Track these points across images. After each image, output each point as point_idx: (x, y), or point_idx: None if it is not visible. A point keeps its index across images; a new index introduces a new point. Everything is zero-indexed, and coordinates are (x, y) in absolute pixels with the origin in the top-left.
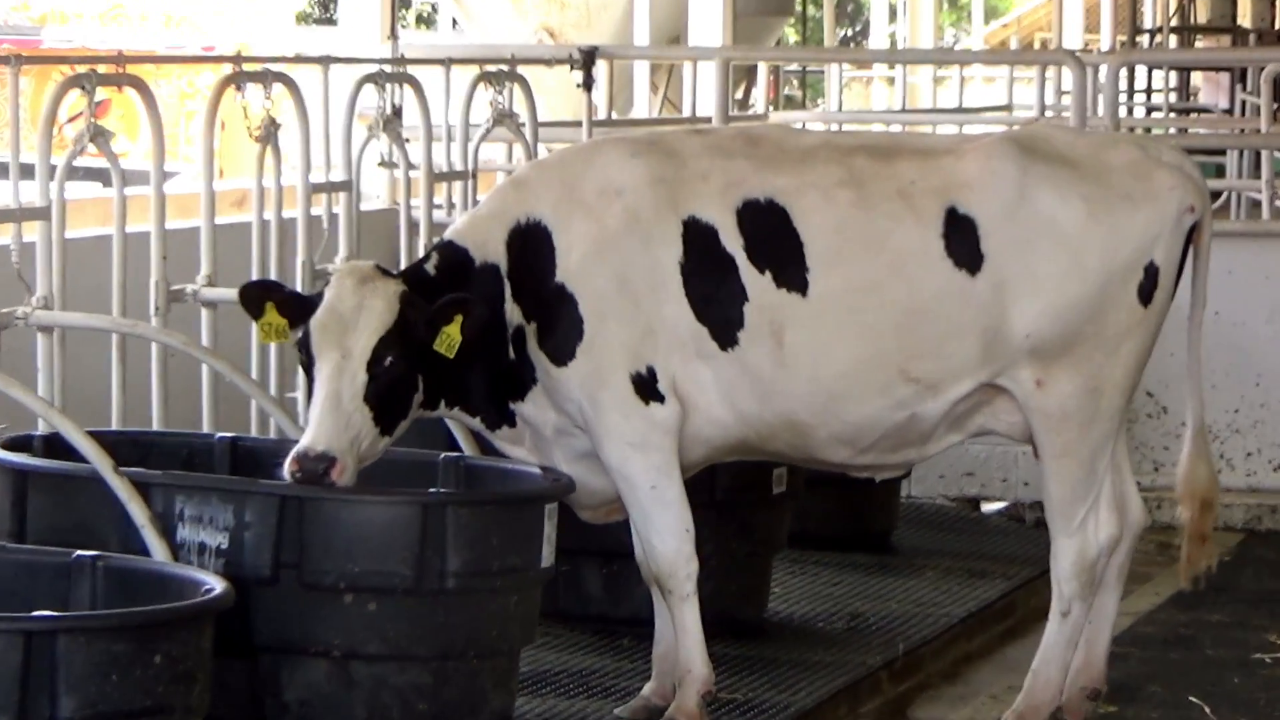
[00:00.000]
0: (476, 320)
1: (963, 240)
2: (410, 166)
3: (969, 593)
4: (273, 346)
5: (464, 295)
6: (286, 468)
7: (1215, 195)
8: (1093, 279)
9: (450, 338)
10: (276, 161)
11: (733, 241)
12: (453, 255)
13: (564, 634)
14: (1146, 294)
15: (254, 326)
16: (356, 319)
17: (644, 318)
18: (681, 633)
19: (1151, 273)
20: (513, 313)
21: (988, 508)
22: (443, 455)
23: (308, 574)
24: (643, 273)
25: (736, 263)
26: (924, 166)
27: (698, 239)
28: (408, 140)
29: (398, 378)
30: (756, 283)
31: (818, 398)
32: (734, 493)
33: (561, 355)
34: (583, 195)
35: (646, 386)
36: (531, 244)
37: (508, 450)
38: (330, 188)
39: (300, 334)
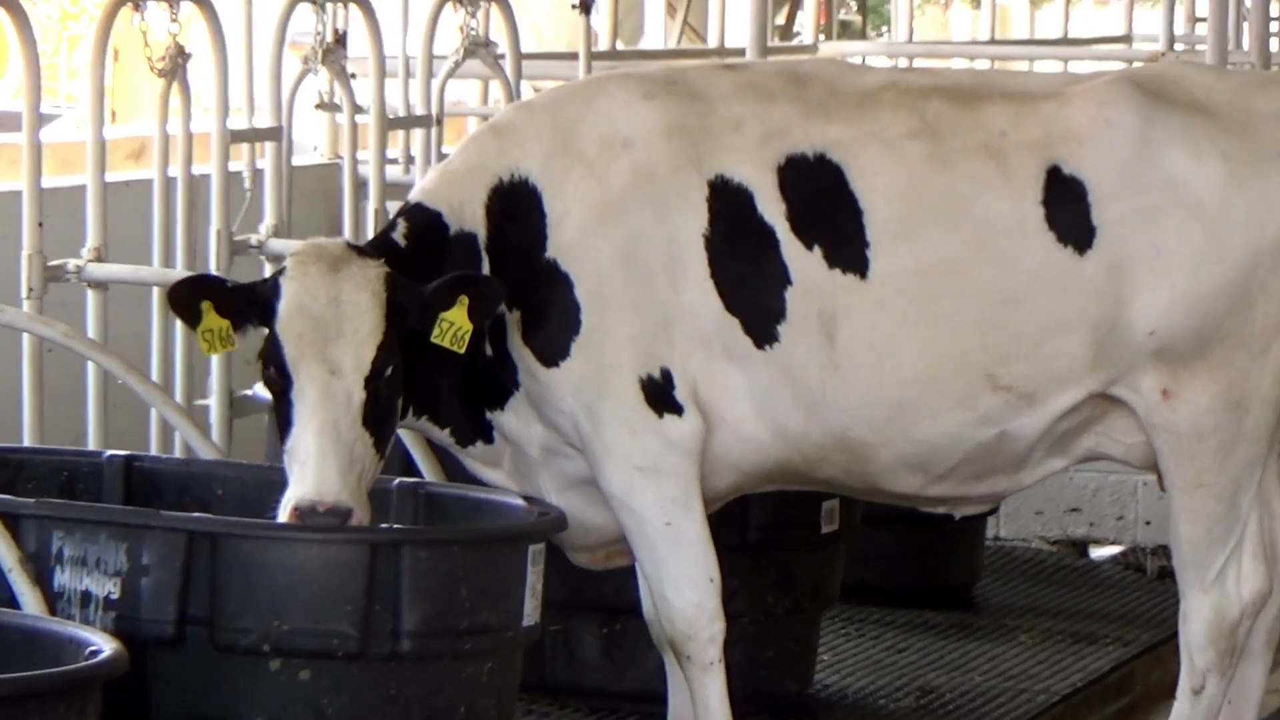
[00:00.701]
0: (490, 302)
1: (1068, 209)
2: (357, 109)
3: (1073, 663)
4: (177, 339)
5: (470, 273)
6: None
7: None
8: (1235, 260)
9: (457, 327)
10: (185, 102)
11: (772, 208)
12: (425, 221)
13: (553, 712)
14: None
15: (184, 333)
16: (340, 323)
17: (658, 306)
18: (702, 710)
19: None
20: None
21: (1098, 553)
22: (397, 481)
23: (222, 633)
24: (656, 248)
25: (777, 235)
26: (1018, 114)
27: (727, 205)
28: (353, 76)
29: (396, 393)
30: (803, 261)
31: (880, 410)
32: (771, 532)
33: (552, 353)
34: (581, 147)
35: (660, 394)
36: (516, 208)
37: (482, 473)
38: (254, 136)
39: (264, 341)
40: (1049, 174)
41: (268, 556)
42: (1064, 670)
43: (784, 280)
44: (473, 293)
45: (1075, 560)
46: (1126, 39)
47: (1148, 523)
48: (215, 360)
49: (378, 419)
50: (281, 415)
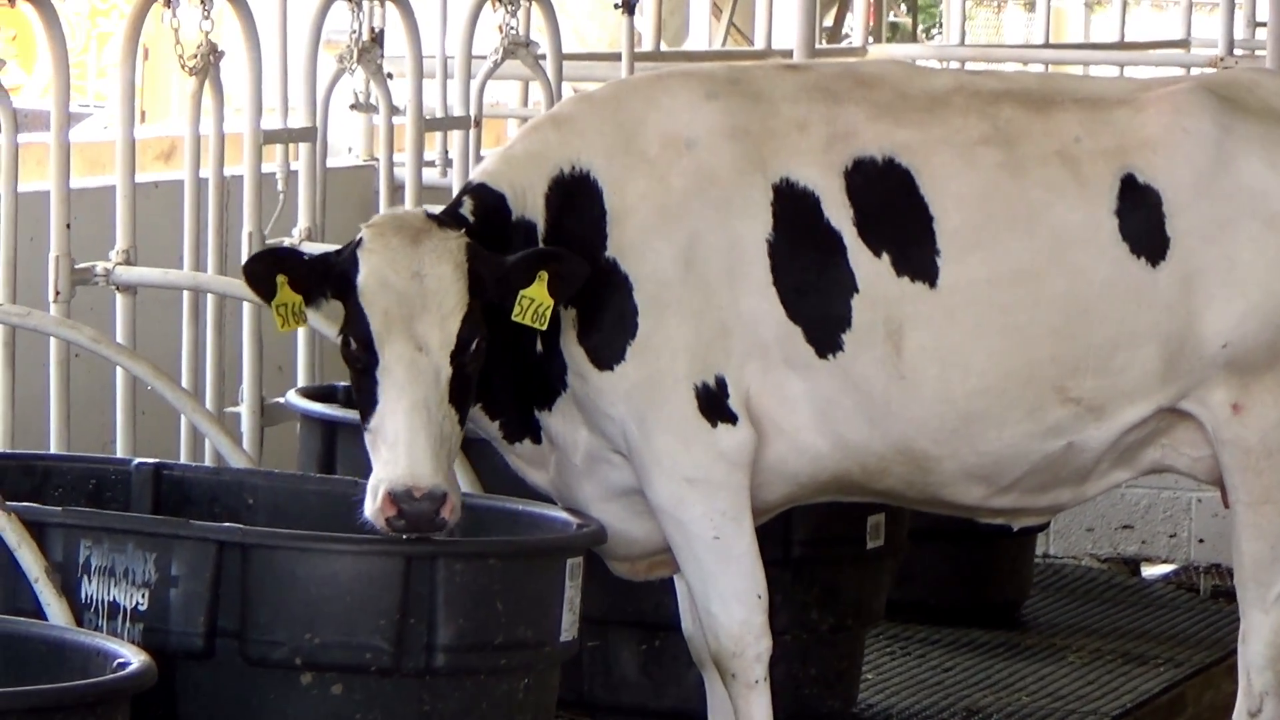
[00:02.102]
0: (572, 280)
1: (1143, 219)
2: (394, 110)
3: (1123, 684)
4: (208, 344)
5: (553, 248)
6: (377, 512)
7: None
8: None
9: (538, 304)
10: (217, 102)
11: (839, 213)
12: (490, 202)
13: None
14: None
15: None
16: (424, 297)
17: (717, 312)
18: None
19: None
20: None
21: (1150, 572)
22: None
23: (253, 646)
24: (718, 252)
25: (844, 241)
26: (1092, 120)
27: (792, 209)
28: (390, 76)
29: (480, 367)
30: (870, 268)
31: (947, 421)
32: (815, 547)
33: (606, 356)
34: (643, 145)
35: (715, 403)
36: (576, 202)
37: (526, 474)
38: (288, 137)
39: (344, 317)
40: (1123, 183)
41: (300, 568)
42: (1114, 691)
43: (850, 288)
44: (554, 269)
45: (1126, 579)
46: (1185, 44)
47: (1201, 541)
48: (247, 367)
49: (462, 394)
50: (365, 393)
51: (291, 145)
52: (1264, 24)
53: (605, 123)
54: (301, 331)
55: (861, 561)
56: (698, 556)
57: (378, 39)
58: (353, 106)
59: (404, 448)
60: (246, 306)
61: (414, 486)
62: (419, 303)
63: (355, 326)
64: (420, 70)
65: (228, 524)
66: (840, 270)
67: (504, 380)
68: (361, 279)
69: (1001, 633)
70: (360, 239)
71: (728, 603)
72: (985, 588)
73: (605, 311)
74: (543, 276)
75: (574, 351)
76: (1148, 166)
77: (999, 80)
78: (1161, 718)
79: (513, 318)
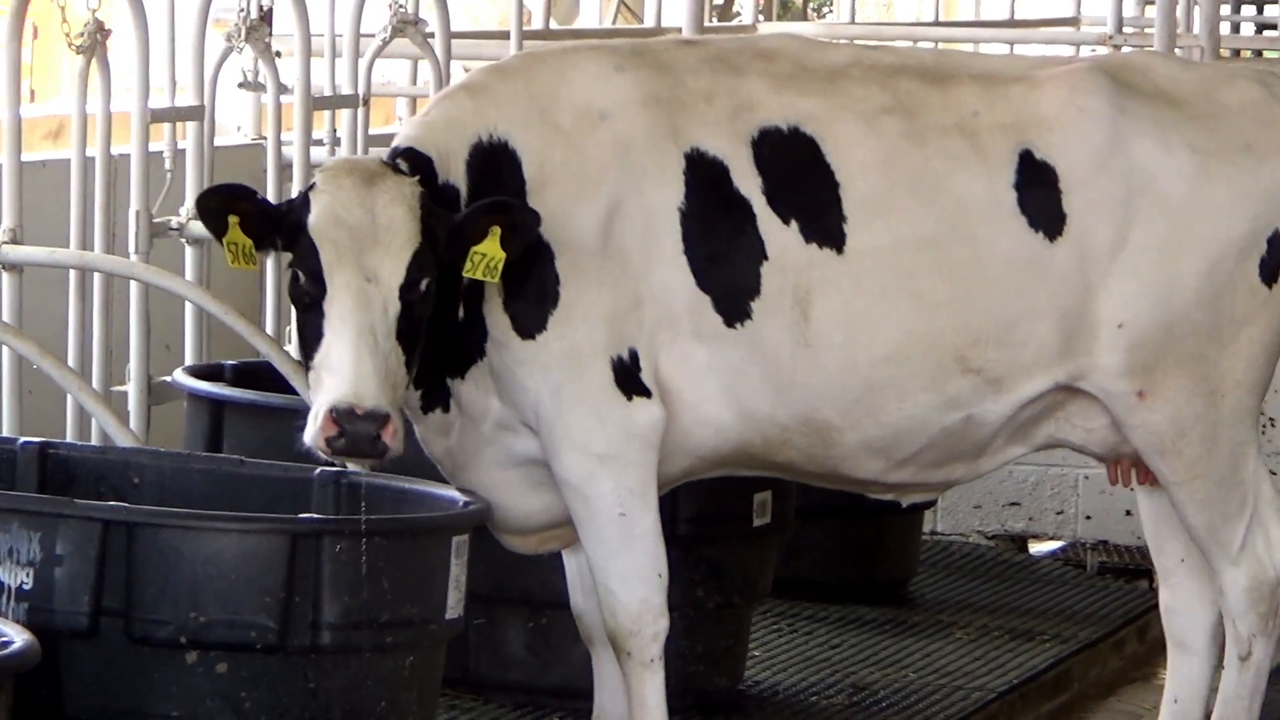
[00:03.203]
0: (526, 231)
1: (1040, 194)
2: (282, 89)
3: (1010, 660)
4: (95, 323)
5: (504, 199)
6: (318, 433)
7: None
8: (1202, 253)
9: (490, 259)
10: (105, 81)
11: (748, 182)
12: (420, 165)
13: (476, 707)
14: (1270, 272)
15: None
16: (375, 231)
17: (631, 283)
18: (639, 709)
19: (1276, 246)
20: None
21: (1037, 549)
22: (318, 470)
23: (138, 625)
24: (634, 221)
25: (753, 209)
26: (989, 95)
27: (703, 178)
28: (278, 54)
29: (428, 310)
30: (779, 236)
31: (851, 389)
32: (701, 525)
33: (530, 324)
34: (557, 116)
35: (629, 377)
36: (495, 169)
37: (428, 443)
38: (176, 115)
39: (294, 253)
40: (1021, 158)
41: (185, 547)
42: (1000, 667)
43: (760, 255)
44: (506, 221)
45: (1014, 555)
46: (1074, 22)
47: (1088, 517)
48: (134, 346)
49: (410, 335)
50: (310, 328)
51: (179, 124)
52: (1153, 2)
53: (518, 93)
54: (189, 310)
55: (748, 539)
56: (602, 533)
57: (266, 17)
58: (241, 85)
59: (349, 369)
60: (134, 286)
61: (356, 405)
62: (370, 237)
63: (305, 260)
64: (308, 49)
65: (113, 503)
66: (750, 238)
67: (428, 349)
68: (313, 216)
69: (889, 610)
70: (313, 183)
71: (628, 580)
72: (872, 565)
73: (529, 280)
74: (494, 231)
75: (497, 318)
76: (1044, 143)
77: (895, 55)
78: (1048, 693)
79: (464, 274)
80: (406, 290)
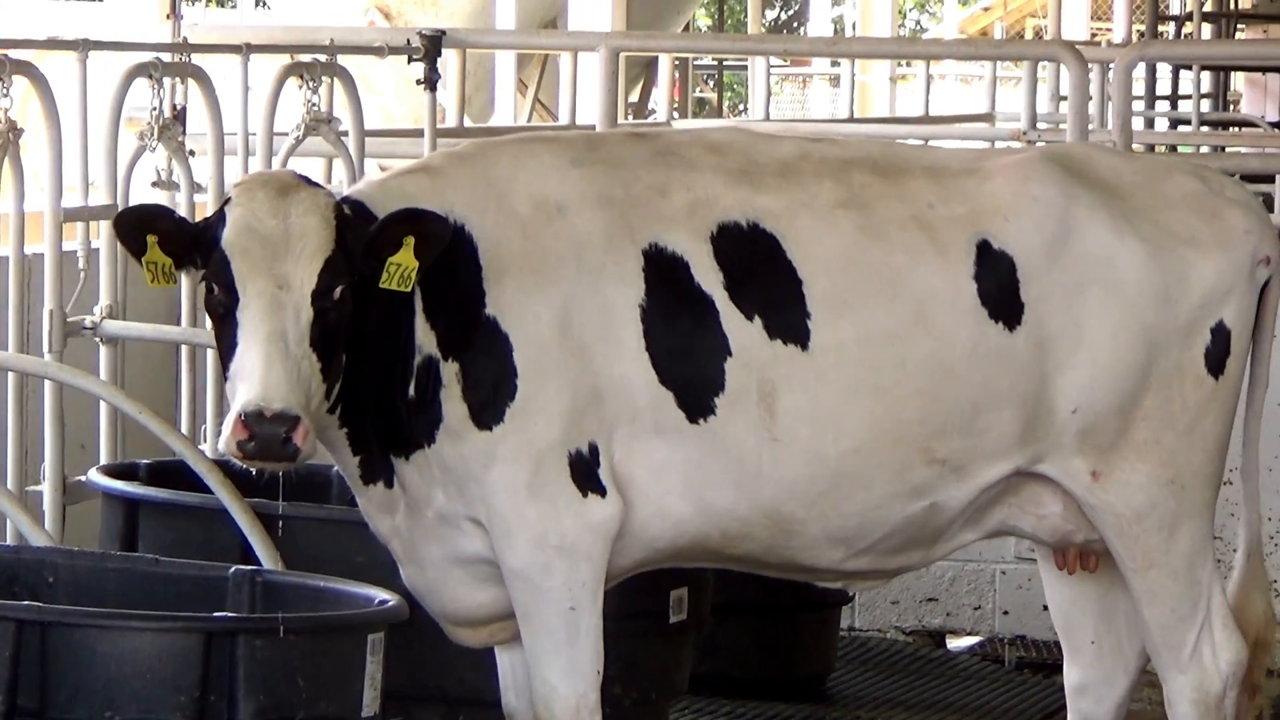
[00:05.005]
0: (438, 238)
1: (998, 284)
2: (196, 187)
3: None
4: (9, 424)
5: (414, 209)
6: (229, 438)
7: None
8: (1150, 339)
9: (404, 268)
10: (17, 179)
11: (709, 277)
12: (365, 217)
13: None
14: (1217, 362)
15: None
16: (287, 239)
17: (591, 378)
18: None
19: (1221, 336)
20: (424, 337)
21: (955, 644)
22: (234, 568)
23: None
24: (592, 317)
25: (715, 305)
26: (942, 187)
27: (663, 274)
28: (192, 153)
29: (343, 319)
30: (743, 331)
31: (817, 483)
32: (617, 620)
33: (487, 415)
34: (514, 206)
35: (587, 472)
36: (451, 254)
37: (372, 519)
38: (89, 214)
39: (209, 265)
40: (979, 248)
41: (99, 646)
42: None
43: (724, 351)
44: (418, 230)
45: (931, 651)
46: (989, 118)
47: (1005, 613)
48: (48, 444)
49: (325, 341)
50: (225, 339)
51: (93, 223)
52: (1066, 98)
53: (476, 179)
54: (103, 409)
55: (664, 635)
56: (549, 625)
57: (179, 116)
58: (154, 184)
59: (259, 373)
60: (48, 385)
61: (265, 407)
62: (282, 245)
63: (219, 272)
64: (222, 147)
65: (26, 602)
66: (713, 334)
67: (373, 418)
68: (227, 228)
69: (807, 706)
70: (229, 197)
71: (570, 676)
72: (790, 661)
73: (487, 371)
74: (408, 241)
75: (454, 408)
76: (1000, 233)
77: (842, 148)
78: None
79: (380, 284)
80: (319, 297)
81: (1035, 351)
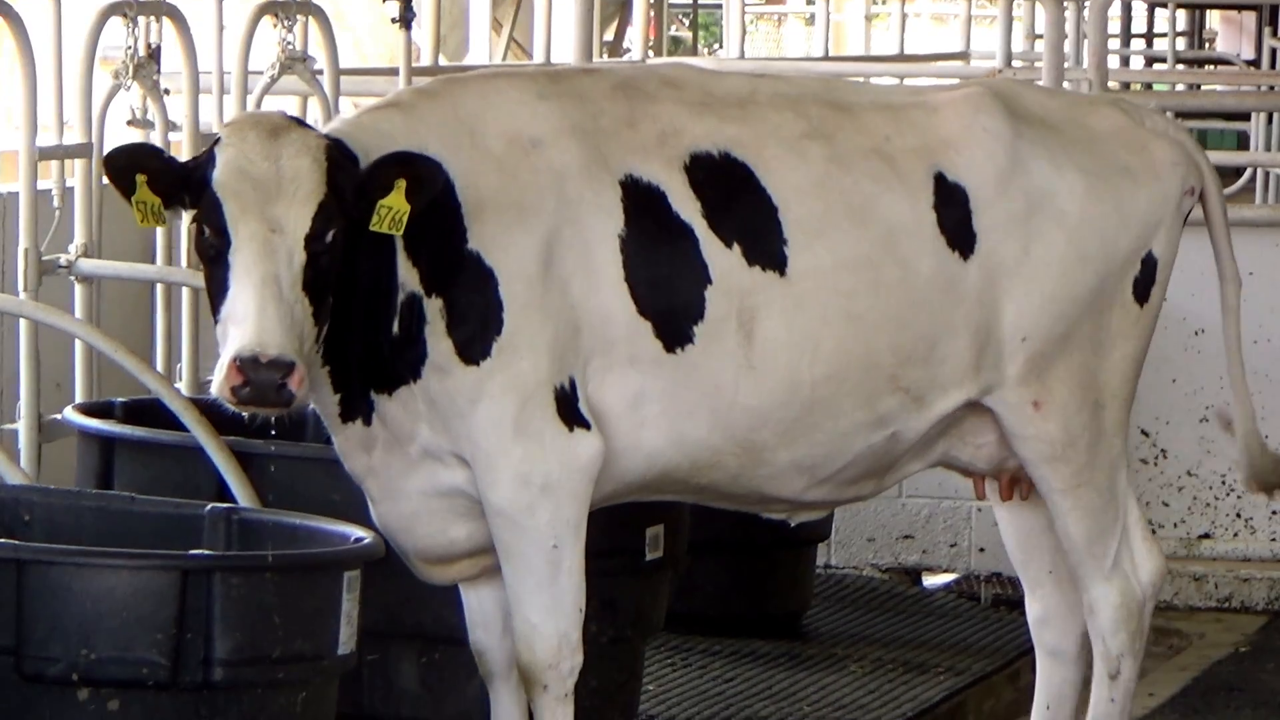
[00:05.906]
0: (430, 181)
1: (953, 214)
2: (171, 126)
3: (904, 692)
4: (1, 345)
5: (407, 151)
6: (223, 383)
7: (1236, 172)
8: (1094, 268)
9: (396, 211)
10: None
11: (687, 206)
12: (347, 155)
13: None
14: (1143, 290)
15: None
16: (279, 182)
17: (570, 311)
18: None
19: (1149, 266)
20: (407, 274)
21: (931, 581)
22: (209, 506)
23: (29, 662)
24: (573, 250)
25: (695, 234)
26: (895, 120)
27: (641, 204)
28: (167, 91)
29: (335, 262)
30: (723, 259)
31: (790, 410)
32: (593, 559)
33: (474, 350)
34: (487, 142)
35: (570, 407)
36: None
37: (348, 457)
38: (64, 153)
39: (200, 208)
40: (936, 179)
41: (75, 583)
42: (895, 700)
43: (704, 279)
44: (410, 173)
45: (908, 588)
46: (964, 56)
47: (981, 550)
48: (24, 383)
49: (317, 285)
50: (216, 281)
51: (68, 162)
52: (1041, 36)
53: (446, 116)
54: (79, 347)
55: (640, 573)
56: (531, 565)
57: (154, 55)
58: (129, 123)
59: (253, 318)
60: (23, 324)
61: (261, 353)
62: (274, 187)
63: (210, 214)
64: (196, 86)
65: (2, 540)
66: (694, 263)
67: (355, 355)
68: (218, 169)
69: (783, 643)
70: (219, 138)
71: (550, 615)
72: (766, 599)
73: (474, 304)
74: (400, 184)
75: (440, 344)
76: (953, 165)
77: (789, 84)
78: None
79: (371, 227)
80: (312, 240)
81: (987, 281)
